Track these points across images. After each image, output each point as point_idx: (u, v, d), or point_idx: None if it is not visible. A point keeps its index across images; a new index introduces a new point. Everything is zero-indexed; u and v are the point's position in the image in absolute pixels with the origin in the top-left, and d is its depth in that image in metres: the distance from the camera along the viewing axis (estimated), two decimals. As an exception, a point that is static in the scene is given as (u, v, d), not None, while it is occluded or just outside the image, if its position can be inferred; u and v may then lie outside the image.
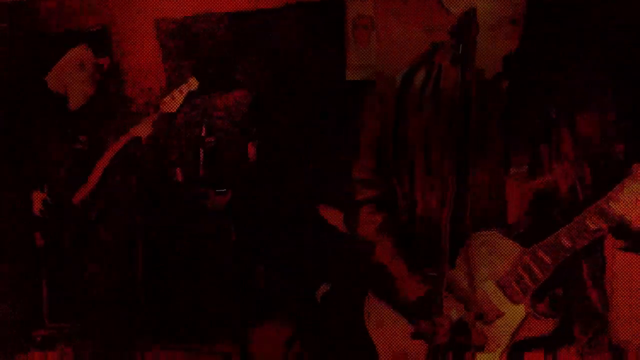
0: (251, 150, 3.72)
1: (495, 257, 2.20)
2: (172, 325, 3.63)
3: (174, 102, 3.62)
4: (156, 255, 3.65)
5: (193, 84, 3.64)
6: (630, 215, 2.07)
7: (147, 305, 3.55)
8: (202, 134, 3.68)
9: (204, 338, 3.62)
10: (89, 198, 3.58)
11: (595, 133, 2.26)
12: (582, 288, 2.25)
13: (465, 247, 2.11)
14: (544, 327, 2.18)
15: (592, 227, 2.10)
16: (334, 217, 3.49)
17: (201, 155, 3.62)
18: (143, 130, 3.59)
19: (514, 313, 2.18)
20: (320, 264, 3.60)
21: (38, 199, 3.58)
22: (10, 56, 3.71)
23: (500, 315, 2.19)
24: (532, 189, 2.23)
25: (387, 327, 2.40)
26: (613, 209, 2.07)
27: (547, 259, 2.14)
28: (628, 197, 2.07)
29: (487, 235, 2.21)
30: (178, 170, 3.71)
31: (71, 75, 3.68)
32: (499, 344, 2.17)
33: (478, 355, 1.97)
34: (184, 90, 3.61)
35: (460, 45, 1.92)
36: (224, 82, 3.80)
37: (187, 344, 3.58)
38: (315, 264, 3.60)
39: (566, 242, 2.12)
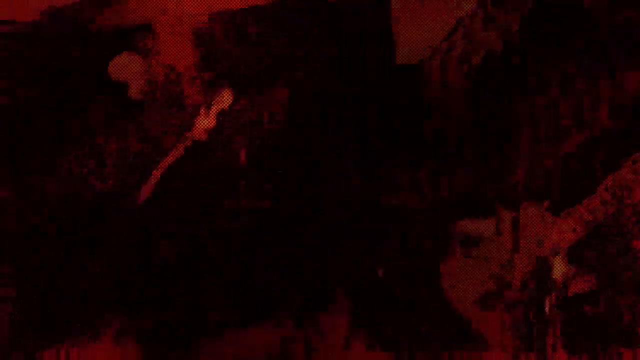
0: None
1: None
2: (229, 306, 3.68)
3: (208, 119, 3.63)
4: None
5: (227, 98, 3.65)
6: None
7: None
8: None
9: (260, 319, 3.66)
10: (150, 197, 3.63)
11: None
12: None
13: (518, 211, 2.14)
14: (586, 285, 2.19)
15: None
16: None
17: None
18: (200, 132, 3.63)
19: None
20: (378, 248, 3.63)
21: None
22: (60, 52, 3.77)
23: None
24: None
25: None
26: None
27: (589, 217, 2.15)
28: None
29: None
30: (242, 152, 3.75)
31: (136, 62, 3.72)
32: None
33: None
34: (217, 106, 3.62)
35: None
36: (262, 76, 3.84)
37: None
38: (372, 247, 3.65)
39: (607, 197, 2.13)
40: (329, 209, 3.77)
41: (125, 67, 3.90)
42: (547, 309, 2.03)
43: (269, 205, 3.80)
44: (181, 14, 3.94)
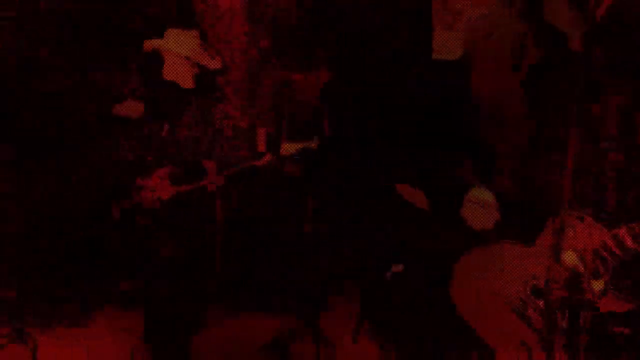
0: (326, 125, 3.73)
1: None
2: (240, 292, 3.64)
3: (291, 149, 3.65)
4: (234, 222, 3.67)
5: (315, 143, 3.65)
6: None
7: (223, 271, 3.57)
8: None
9: (269, 308, 3.61)
10: None
11: None
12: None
13: (559, 219, 2.10)
14: (620, 306, 2.14)
15: None
16: (414, 195, 3.47)
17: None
18: None
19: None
20: (393, 243, 3.58)
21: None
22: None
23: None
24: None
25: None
26: None
27: (629, 242, 2.10)
28: None
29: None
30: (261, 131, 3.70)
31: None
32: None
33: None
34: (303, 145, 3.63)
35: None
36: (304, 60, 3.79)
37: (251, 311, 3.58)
38: (387, 241, 3.59)
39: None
40: (350, 201, 3.71)
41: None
42: (581, 321, 1.97)
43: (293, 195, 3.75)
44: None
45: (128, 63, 3.57)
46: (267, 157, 3.60)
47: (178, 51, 3.49)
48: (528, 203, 2.28)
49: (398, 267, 3.55)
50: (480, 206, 2.90)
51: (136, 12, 3.54)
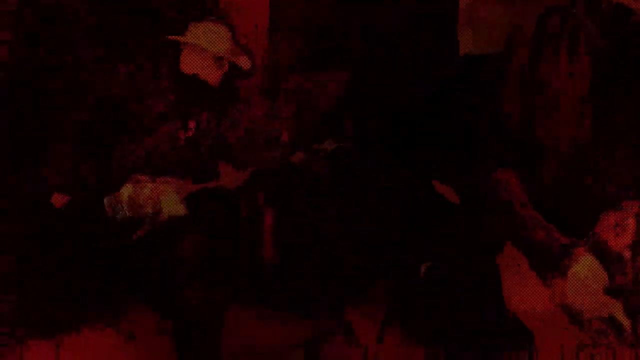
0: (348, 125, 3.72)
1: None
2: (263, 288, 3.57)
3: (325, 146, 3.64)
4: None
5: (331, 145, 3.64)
6: None
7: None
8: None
9: (294, 306, 3.54)
10: None
11: None
12: None
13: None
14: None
15: None
16: (445, 190, 3.46)
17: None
18: None
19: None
20: (424, 240, 3.54)
21: None
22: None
23: None
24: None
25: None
26: None
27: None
28: None
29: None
30: (284, 131, 3.67)
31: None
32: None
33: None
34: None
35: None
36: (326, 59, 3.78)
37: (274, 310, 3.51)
38: (418, 238, 3.55)
39: None
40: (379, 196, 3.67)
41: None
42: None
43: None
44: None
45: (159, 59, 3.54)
46: (301, 155, 3.57)
47: (209, 48, 3.44)
48: (579, 196, 2.24)
49: (429, 264, 3.51)
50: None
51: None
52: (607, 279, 2.21)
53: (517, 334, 2.93)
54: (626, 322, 2.14)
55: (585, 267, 2.27)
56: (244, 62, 3.49)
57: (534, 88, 3.16)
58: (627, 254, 2.16)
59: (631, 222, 2.23)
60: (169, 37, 3.44)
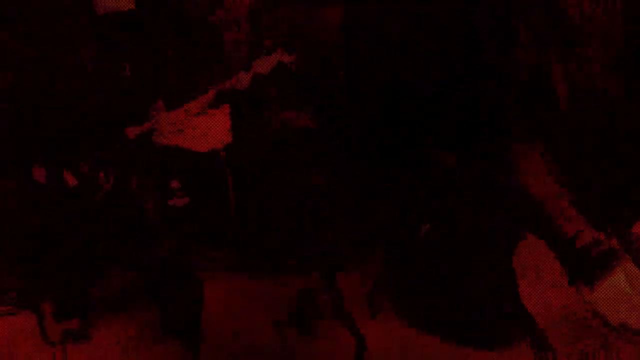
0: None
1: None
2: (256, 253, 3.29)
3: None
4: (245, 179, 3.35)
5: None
6: None
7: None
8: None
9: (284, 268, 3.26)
10: None
11: None
12: None
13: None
14: None
15: None
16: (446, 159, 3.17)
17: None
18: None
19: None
20: (421, 203, 3.23)
21: None
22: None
23: None
24: None
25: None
26: None
27: None
28: None
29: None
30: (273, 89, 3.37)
31: None
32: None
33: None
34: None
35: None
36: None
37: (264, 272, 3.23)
38: (415, 202, 3.24)
39: None
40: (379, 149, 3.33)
41: None
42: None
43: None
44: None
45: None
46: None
47: None
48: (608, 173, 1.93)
49: (426, 227, 3.19)
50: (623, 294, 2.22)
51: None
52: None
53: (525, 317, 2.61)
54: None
55: (624, 276, 1.95)
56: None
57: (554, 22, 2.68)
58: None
59: None
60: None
